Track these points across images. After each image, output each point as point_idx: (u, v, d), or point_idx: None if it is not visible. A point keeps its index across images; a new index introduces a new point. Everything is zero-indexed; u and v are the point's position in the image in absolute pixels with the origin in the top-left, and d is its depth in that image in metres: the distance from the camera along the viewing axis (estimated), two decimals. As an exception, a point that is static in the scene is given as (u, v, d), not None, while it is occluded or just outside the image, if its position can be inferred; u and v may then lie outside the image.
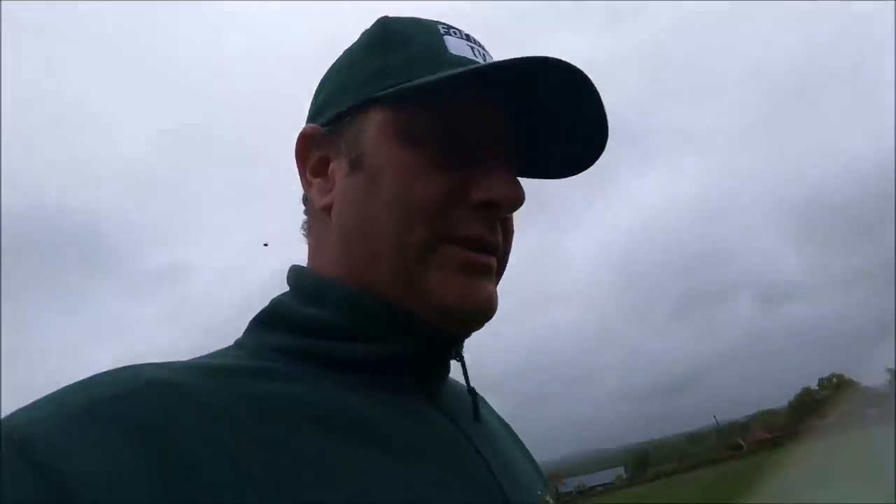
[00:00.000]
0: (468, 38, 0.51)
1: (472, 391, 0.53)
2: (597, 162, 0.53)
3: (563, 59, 0.44)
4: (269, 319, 0.49)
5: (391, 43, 0.50)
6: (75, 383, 0.37)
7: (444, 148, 0.47)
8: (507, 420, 0.67)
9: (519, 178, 0.51)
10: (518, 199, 0.48)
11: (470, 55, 0.49)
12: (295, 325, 0.47)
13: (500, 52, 0.52)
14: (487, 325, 0.50)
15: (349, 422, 0.42)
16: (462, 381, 0.54)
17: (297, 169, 0.53)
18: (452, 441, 0.47)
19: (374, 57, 0.50)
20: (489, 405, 0.62)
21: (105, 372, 0.38)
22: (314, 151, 0.52)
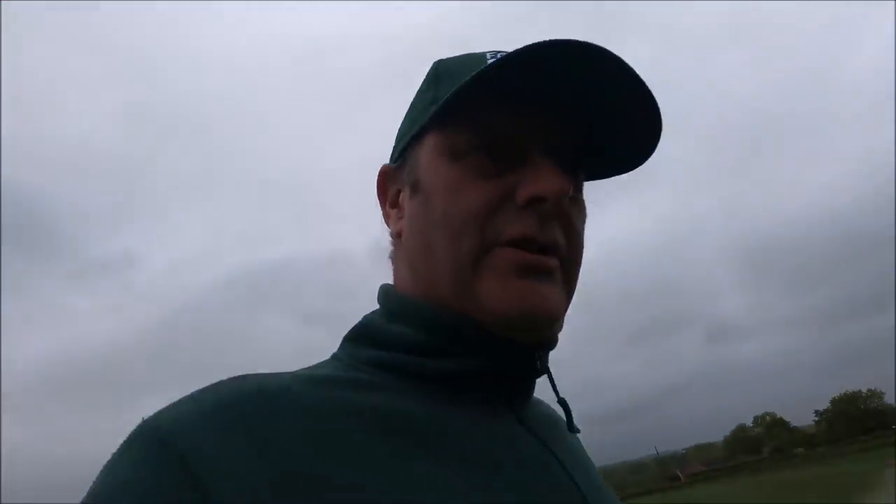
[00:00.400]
0: None
1: (562, 402, 0.54)
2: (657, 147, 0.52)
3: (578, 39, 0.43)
4: (360, 335, 0.52)
5: (441, 77, 0.53)
6: (205, 387, 0.40)
7: (487, 157, 0.48)
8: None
9: (591, 181, 0.54)
10: (560, 190, 0.47)
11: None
12: (382, 341, 0.49)
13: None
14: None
15: (440, 436, 0.43)
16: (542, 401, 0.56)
17: (380, 205, 0.58)
18: (539, 460, 0.47)
19: (428, 93, 0.53)
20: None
21: (223, 380, 0.41)
22: (390, 186, 0.56)
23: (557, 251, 0.48)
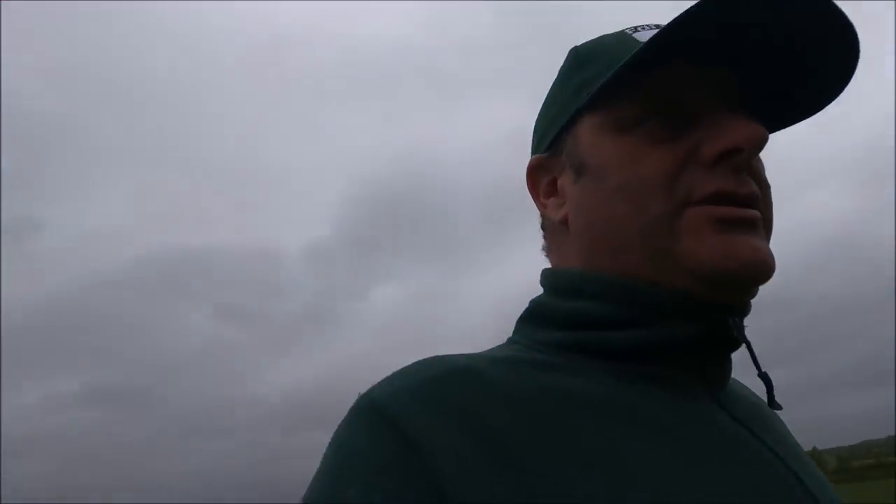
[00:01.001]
0: (658, 26, 0.49)
1: (764, 375, 0.49)
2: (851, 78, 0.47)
3: None
4: (535, 316, 0.50)
5: (584, 62, 0.51)
6: (406, 366, 0.42)
7: (659, 122, 0.46)
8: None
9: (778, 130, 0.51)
10: (757, 137, 0.43)
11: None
12: (561, 320, 0.47)
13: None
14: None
15: (636, 417, 0.41)
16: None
17: (533, 201, 0.56)
18: (743, 441, 0.44)
19: (572, 79, 0.52)
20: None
21: (424, 359, 0.42)
22: (542, 177, 0.55)
23: (757, 204, 0.45)
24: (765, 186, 0.47)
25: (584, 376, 0.43)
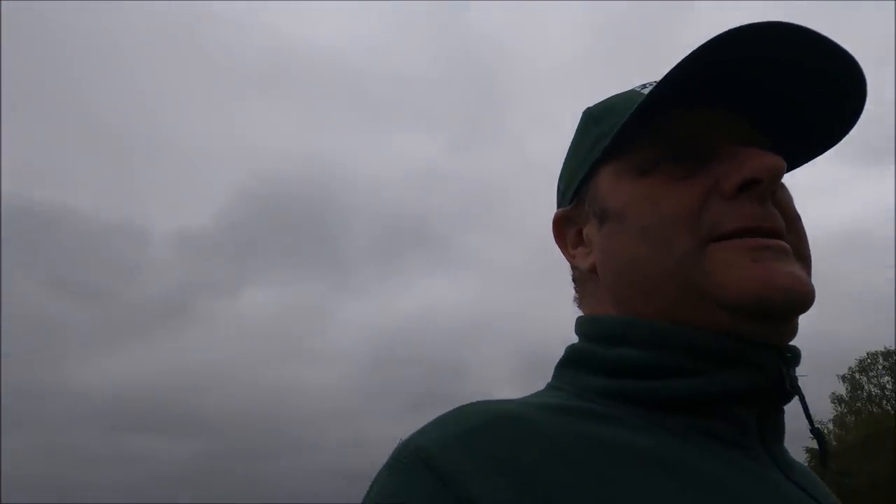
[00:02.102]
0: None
1: (817, 432, 0.47)
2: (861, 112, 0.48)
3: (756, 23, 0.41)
4: (577, 363, 0.49)
5: (597, 118, 0.53)
6: (449, 413, 0.41)
7: (676, 161, 0.46)
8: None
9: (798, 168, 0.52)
10: (773, 165, 0.43)
11: None
12: (605, 368, 0.46)
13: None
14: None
15: (683, 472, 0.38)
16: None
17: (561, 255, 0.57)
18: (797, 502, 0.41)
19: (588, 133, 0.54)
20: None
21: (470, 405, 0.42)
22: (568, 228, 0.56)
23: (783, 236, 0.44)
24: (794, 218, 0.47)
25: (632, 427, 0.41)
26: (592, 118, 0.55)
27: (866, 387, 29.27)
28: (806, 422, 0.45)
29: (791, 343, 0.45)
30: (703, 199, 0.44)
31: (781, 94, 0.47)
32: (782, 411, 0.46)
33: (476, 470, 0.36)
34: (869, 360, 29.44)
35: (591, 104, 0.57)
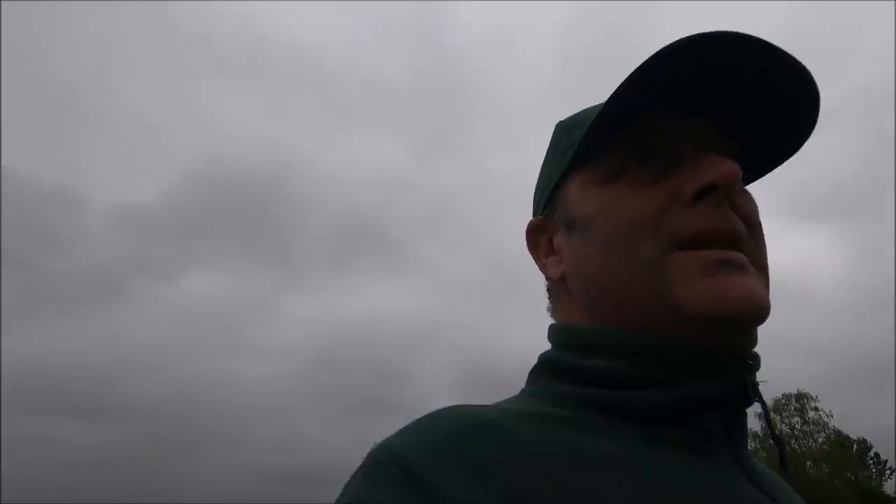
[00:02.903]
0: None
1: (776, 438, 0.49)
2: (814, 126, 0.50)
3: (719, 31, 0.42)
4: (551, 371, 0.50)
5: (570, 129, 0.54)
6: (426, 417, 0.41)
7: (641, 168, 0.47)
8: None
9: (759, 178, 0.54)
10: (730, 173, 0.44)
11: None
12: (580, 376, 0.47)
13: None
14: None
15: (655, 479, 0.39)
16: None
17: (535, 264, 0.57)
18: None
19: (559, 145, 0.55)
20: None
21: (445, 409, 0.42)
22: (540, 238, 0.57)
23: (743, 245, 0.45)
24: (755, 226, 0.48)
25: (605, 436, 0.42)
26: (564, 129, 0.56)
27: (779, 426, 31.28)
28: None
29: (753, 350, 0.47)
30: (666, 206, 0.45)
31: (747, 102, 0.48)
32: (745, 416, 0.47)
33: (453, 476, 0.36)
34: (783, 401, 31.54)
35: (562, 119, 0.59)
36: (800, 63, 0.45)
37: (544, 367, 0.51)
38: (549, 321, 0.56)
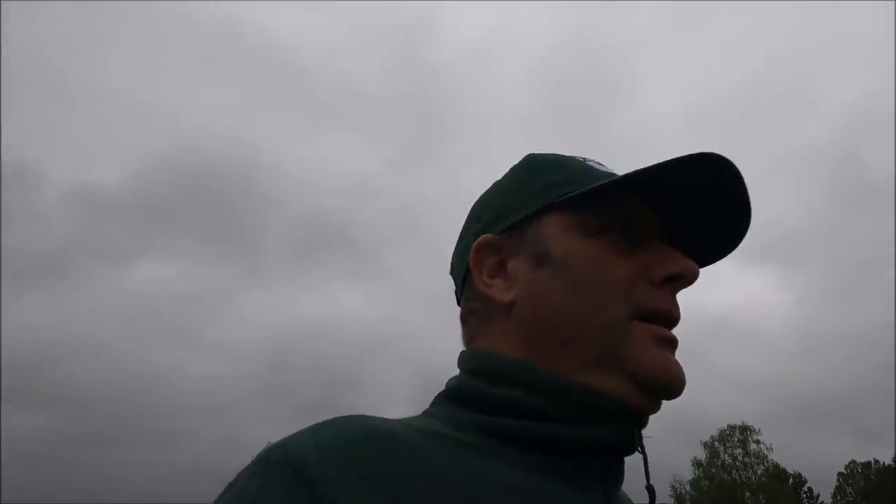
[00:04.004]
0: (602, 164, 0.59)
1: (650, 488, 0.53)
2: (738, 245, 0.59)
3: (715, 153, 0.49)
4: (458, 396, 0.52)
5: (549, 167, 0.58)
6: (325, 423, 0.42)
7: (618, 237, 0.52)
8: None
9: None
10: (694, 272, 0.52)
11: (612, 171, 0.57)
12: (487, 405, 0.49)
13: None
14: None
15: None
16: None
17: (473, 275, 0.58)
18: None
19: (539, 177, 0.57)
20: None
21: (346, 417, 0.43)
22: (490, 257, 0.57)
23: (675, 325, 0.53)
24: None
25: (497, 460, 0.45)
26: (542, 165, 0.58)
27: (722, 455, 32.62)
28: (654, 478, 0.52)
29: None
30: (637, 278, 0.51)
31: (696, 206, 0.56)
32: (623, 462, 0.52)
33: (346, 483, 0.36)
34: (728, 432, 32.89)
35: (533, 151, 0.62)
36: (745, 192, 0.54)
37: (452, 395, 0.53)
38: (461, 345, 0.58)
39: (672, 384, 0.50)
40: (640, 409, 0.50)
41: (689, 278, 0.52)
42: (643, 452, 0.51)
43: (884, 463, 35.28)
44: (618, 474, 0.52)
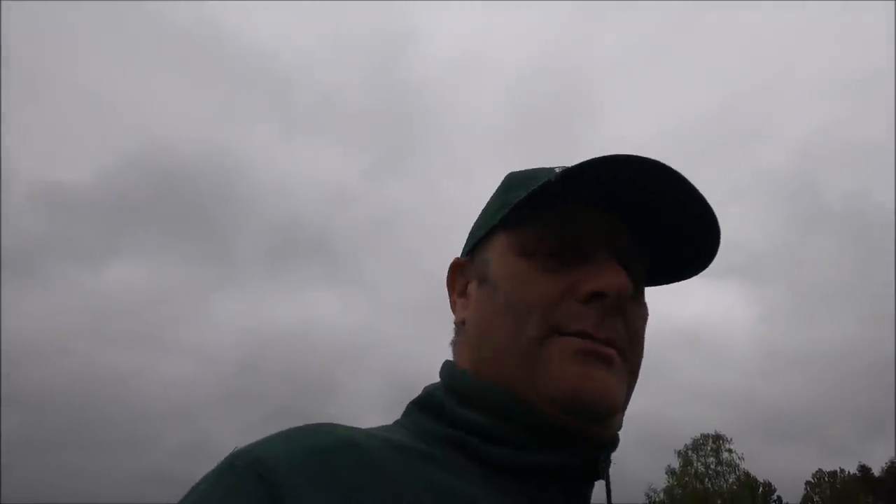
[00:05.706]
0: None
1: None
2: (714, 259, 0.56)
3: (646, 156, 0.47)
4: (429, 408, 0.53)
5: (514, 185, 0.58)
6: (291, 430, 0.42)
7: (554, 254, 0.52)
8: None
9: (656, 286, 0.59)
10: (621, 286, 0.49)
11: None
12: (450, 420, 0.51)
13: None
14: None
15: None
16: None
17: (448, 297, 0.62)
18: None
19: (504, 195, 0.58)
20: None
21: (313, 425, 0.43)
22: (460, 278, 0.61)
23: (616, 346, 0.50)
24: (634, 334, 0.53)
25: (461, 475, 0.45)
26: (512, 183, 0.59)
27: (695, 464, 33.13)
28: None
29: (616, 431, 0.52)
30: (561, 297, 0.51)
31: (667, 222, 0.54)
32: (591, 486, 0.52)
33: (311, 492, 0.37)
34: (701, 441, 33.41)
35: (513, 170, 0.62)
36: (711, 211, 0.52)
37: (423, 404, 0.54)
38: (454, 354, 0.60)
39: (585, 401, 0.48)
40: (575, 431, 0.49)
41: (614, 295, 0.49)
42: (606, 479, 0.51)
43: (849, 472, 36.45)
44: (584, 499, 0.52)
